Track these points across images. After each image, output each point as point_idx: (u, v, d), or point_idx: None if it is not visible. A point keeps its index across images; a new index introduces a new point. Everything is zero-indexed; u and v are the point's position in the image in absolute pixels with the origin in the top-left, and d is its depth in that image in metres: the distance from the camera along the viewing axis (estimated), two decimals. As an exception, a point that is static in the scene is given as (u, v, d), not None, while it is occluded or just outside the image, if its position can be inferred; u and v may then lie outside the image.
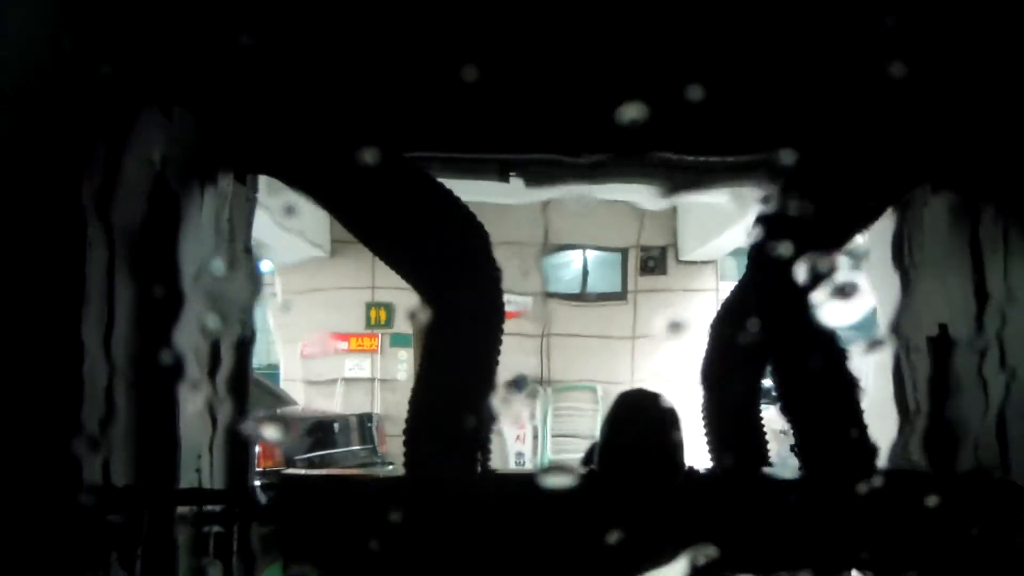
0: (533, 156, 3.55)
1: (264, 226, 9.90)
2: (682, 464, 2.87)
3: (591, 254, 14.21)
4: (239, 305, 3.48)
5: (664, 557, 2.54)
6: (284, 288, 13.71)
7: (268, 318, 13.82)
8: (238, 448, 3.25)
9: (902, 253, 3.69)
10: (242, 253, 3.54)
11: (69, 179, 2.14)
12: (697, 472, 2.98)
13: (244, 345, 3.39)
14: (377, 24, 2.93)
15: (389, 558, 2.53)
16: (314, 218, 11.79)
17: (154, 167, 2.52)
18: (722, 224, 10.29)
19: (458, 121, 3.20)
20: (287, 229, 10.60)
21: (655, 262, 14.20)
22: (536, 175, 3.80)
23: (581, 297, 13.80)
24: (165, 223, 2.56)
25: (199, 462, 2.85)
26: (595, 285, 14.06)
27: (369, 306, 13.87)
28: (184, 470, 2.76)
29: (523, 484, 2.65)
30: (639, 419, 2.91)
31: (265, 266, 13.25)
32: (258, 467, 6.80)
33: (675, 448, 2.84)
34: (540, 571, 2.59)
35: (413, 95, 2.93)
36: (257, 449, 7.04)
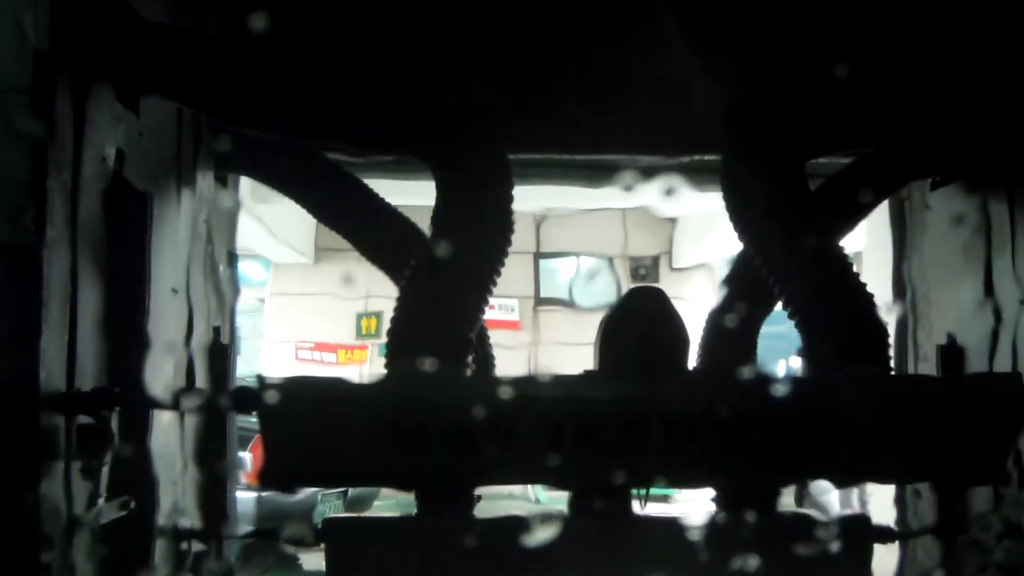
0: (521, 156, 3.41)
1: (249, 231, 9.82)
2: (686, 359, 2.68)
3: (583, 261, 14.13)
4: (219, 311, 3.36)
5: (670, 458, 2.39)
6: (274, 292, 13.62)
7: (258, 324, 13.70)
8: (219, 461, 3.10)
9: (903, 255, 3.59)
10: (223, 257, 3.42)
11: (28, 176, 2.01)
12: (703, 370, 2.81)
13: (226, 352, 3.26)
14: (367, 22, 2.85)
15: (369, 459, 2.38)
16: (298, 225, 11.68)
17: (114, 165, 2.38)
18: (718, 231, 10.20)
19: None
20: (273, 234, 10.50)
21: (646, 270, 14.13)
22: (526, 176, 3.68)
23: (572, 304, 13.71)
24: (132, 224, 2.42)
25: (173, 477, 2.71)
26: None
27: (360, 316, 13.75)
28: (162, 487, 2.63)
29: (521, 386, 2.41)
30: (643, 312, 2.66)
31: (256, 270, 13.15)
32: (245, 481, 6.69)
33: (681, 341, 2.66)
34: (533, 472, 2.42)
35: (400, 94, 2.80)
36: (249, 463, 6.92)
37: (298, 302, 13.56)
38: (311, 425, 2.33)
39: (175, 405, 2.64)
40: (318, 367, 13.37)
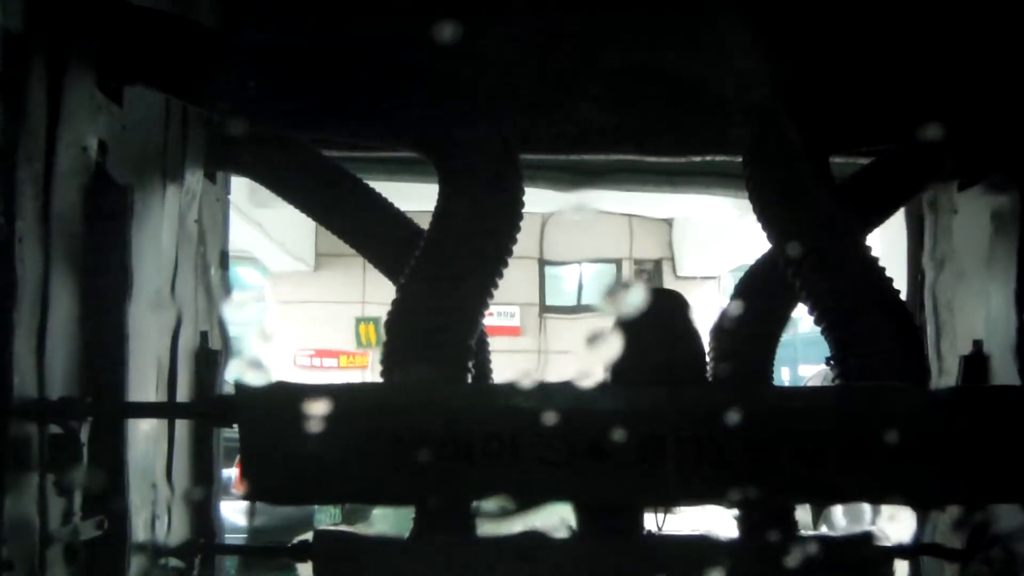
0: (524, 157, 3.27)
1: (250, 236, 9.71)
2: (704, 367, 2.55)
3: (586, 268, 14.06)
4: (209, 315, 3.21)
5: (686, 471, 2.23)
6: (275, 299, 13.53)
7: (259, 330, 13.58)
8: (203, 473, 2.96)
9: (923, 261, 3.45)
10: (213, 258, 3.27)
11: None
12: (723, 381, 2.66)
13: (215, 359, 3.12)
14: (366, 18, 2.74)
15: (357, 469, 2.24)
16: (299, 230, 11.58)
17: (94, 157, 2.24)
18: (723, 237, 10.06)
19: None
20: (272, 240, 10.37)
21: (649, 275, 14.03)
22: (530, 178, 3.54)
23: (575, 310, 13.64)
24: (113, 221, 2.27)
25: (154, 492, 2.55)
26: (589, 298, 13.92)
27: (359, 321, 13.64)
28: (142, 502, 2.48)
29: (527, 396, 2.24)
30: (660, 317, 2.50)
31: (254, 276, 13.02)
32: (235, 490, 6.55)
33: (701, 350, 2.52)
34: (539, 488, 2.26)
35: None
36: (235, 472, 6.76)
37: (298, 309, 13.47)
38: (296, 436, 2.17)
39: (149, 414, 2.48)
40: (319, 374, 13.27)
